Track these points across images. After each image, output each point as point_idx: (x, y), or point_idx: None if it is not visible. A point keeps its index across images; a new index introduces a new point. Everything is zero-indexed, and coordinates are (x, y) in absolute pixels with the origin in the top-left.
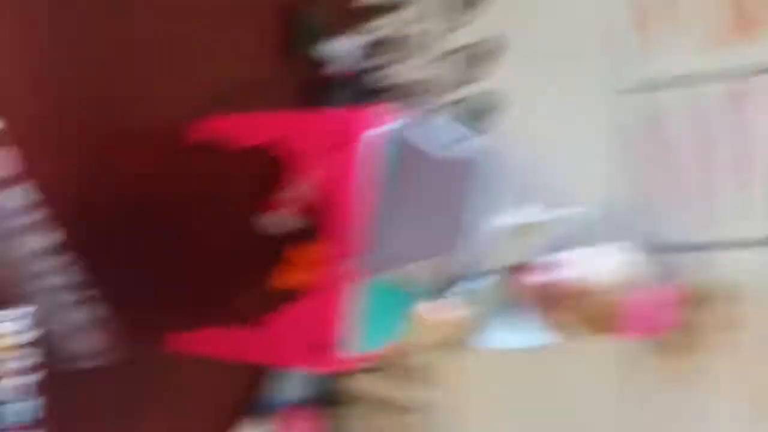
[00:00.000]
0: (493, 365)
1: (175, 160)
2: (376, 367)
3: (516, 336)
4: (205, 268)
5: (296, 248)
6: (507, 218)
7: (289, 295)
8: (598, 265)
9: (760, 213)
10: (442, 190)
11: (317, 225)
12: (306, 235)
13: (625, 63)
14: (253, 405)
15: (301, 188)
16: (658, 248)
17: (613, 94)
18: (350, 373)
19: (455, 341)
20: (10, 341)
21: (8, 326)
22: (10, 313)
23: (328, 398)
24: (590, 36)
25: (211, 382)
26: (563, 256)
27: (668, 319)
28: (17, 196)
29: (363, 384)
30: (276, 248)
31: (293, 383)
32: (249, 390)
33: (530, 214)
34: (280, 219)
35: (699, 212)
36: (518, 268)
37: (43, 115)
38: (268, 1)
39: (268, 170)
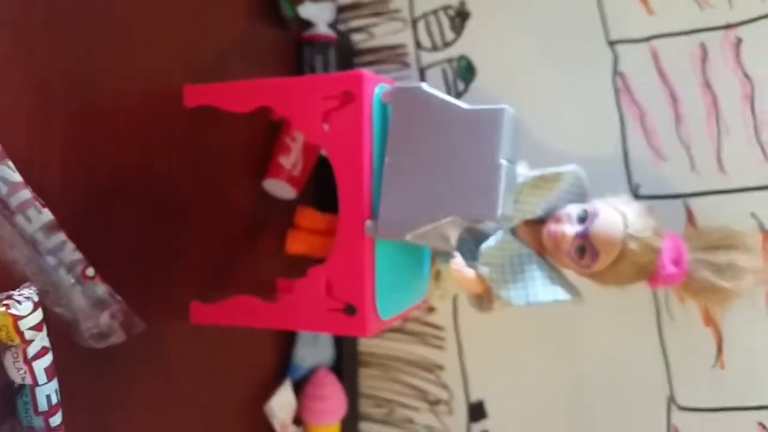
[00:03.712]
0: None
1: (167, 130)
2: (393, 329)
3: (544, 290)
4: (214, 237)
5: (302, 213)
6: (519, 173)
7: (304, 261)
8: (626, 212)
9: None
10: (453, 145)
11: (315, 191)
12: (308, 200)
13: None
14: (286, 369)
15: (296, 153)
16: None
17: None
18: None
19: (482, 298)
20: (33, 321)
21: (28, 306)
22: (25, 292)
23: (347, 360)
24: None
25: (245, 350)
26: (586, 205)
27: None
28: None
29: (379, 346)
30: (282, 213)
31: (318, 348)
32: (281, 355)
33: (529, 170)
34: (280, 184)
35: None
36: (538, 221)
37: (33, 97)
38: None
39: (263, 136)
